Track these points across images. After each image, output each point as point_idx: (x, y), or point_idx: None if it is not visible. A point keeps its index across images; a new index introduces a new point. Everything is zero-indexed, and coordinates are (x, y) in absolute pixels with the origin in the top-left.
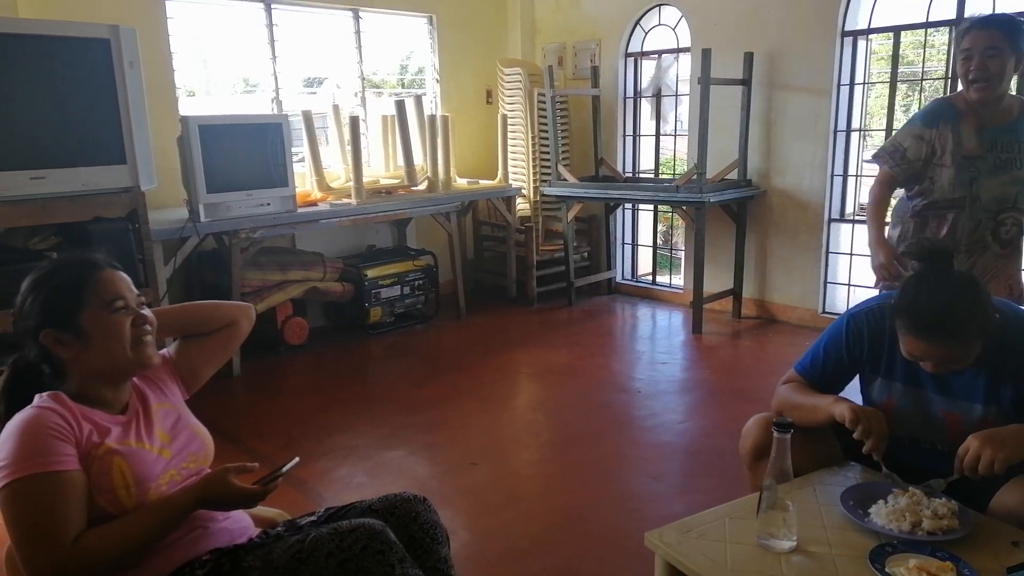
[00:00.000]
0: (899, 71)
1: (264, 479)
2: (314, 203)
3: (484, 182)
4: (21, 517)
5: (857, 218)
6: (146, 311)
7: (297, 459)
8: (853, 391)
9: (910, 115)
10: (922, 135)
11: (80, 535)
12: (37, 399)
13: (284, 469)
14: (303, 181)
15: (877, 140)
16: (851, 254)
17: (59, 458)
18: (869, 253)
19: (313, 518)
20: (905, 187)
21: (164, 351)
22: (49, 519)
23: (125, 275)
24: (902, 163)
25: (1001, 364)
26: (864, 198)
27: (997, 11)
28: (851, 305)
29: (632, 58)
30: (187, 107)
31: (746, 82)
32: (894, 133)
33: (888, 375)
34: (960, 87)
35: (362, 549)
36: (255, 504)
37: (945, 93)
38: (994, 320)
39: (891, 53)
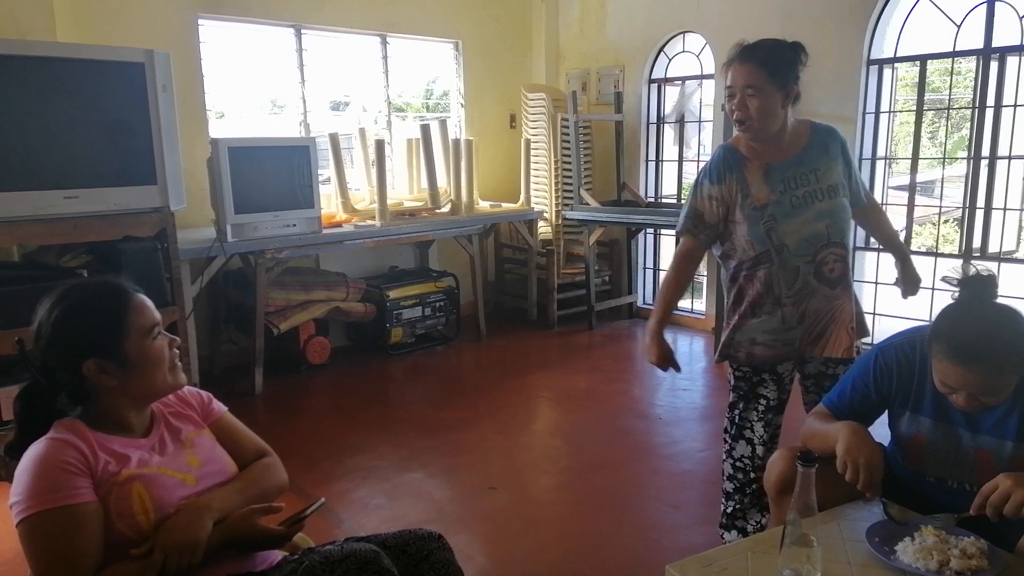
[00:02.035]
0: (926, 98)
1: (289, 520)
2: (339, 224)
3: (507, 205)
4: (39, 551)
5: (882, 247)
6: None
7: (323, 500)
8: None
9: (938, 143)
10: (712, 195)
11: (102, 572)
12: (54, 429)
13: (309, 511)
14: (328, 202)
15: (903, 167)
16: (876, 283)
17: (74, 492)
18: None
19: (332, 547)
20: (713, 250)
21: (217, 404)
22: (67, 553)
23: (148, 299)
24: (704, 229)
25: None
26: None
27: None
28: (876, 334)
29: (656, 84)
30: (216, 128)
31: None
32: (688, 198)
33: (916, 409)
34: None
35: None
36: (281, 546)
37: (973, 122)
38: None
39: (917, 81)
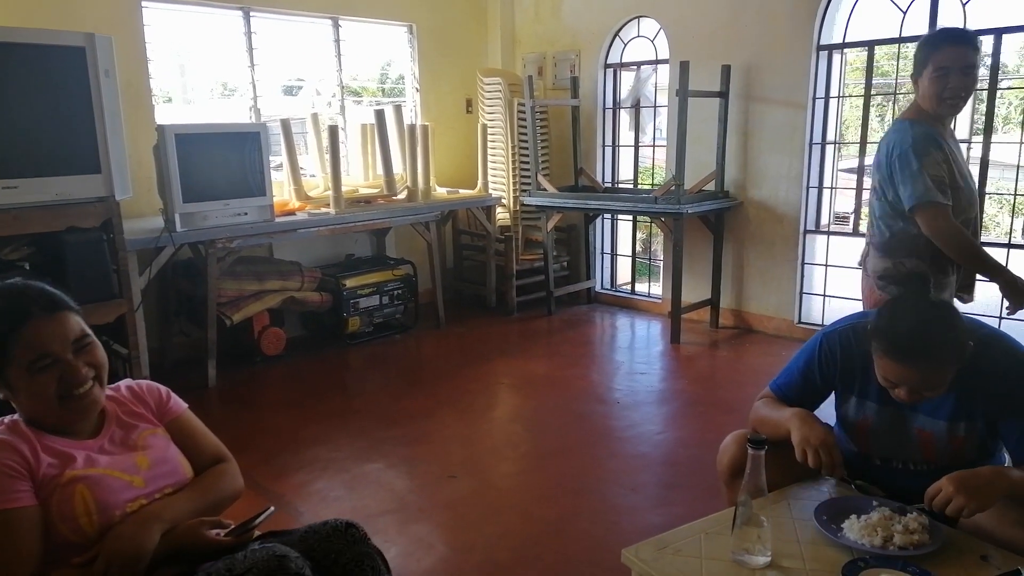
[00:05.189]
0: (873, 82)
1: (237, 529)
2: (292, 212)
3: (464, 191)
4: None
5: (832, 229)
6: (92, 350)
7: (272, 508)
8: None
9: (886, 125)
10: (941, 160)
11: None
12: None
13: (258, 520)
14: (281, 190)
15: (852, 151)
16: (826, 265)
17: (12, 495)
18: (1005, 287)
19: (256, 545)
20: (900, 219)
21: (176, 401)
22: (5, 556)
23: (63, 313)
24: (948, 191)
25: (973, 385)
26: (840, 207)
27: (967, 26)
28: (826, 315)
29: (611, 69)
30: (163, 114)
31: (723, 94)
32: (914, 171)
33: (862, 395)
34: (926, 104)
35: None
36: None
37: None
38: (968, 347)
39: (866, 65)
